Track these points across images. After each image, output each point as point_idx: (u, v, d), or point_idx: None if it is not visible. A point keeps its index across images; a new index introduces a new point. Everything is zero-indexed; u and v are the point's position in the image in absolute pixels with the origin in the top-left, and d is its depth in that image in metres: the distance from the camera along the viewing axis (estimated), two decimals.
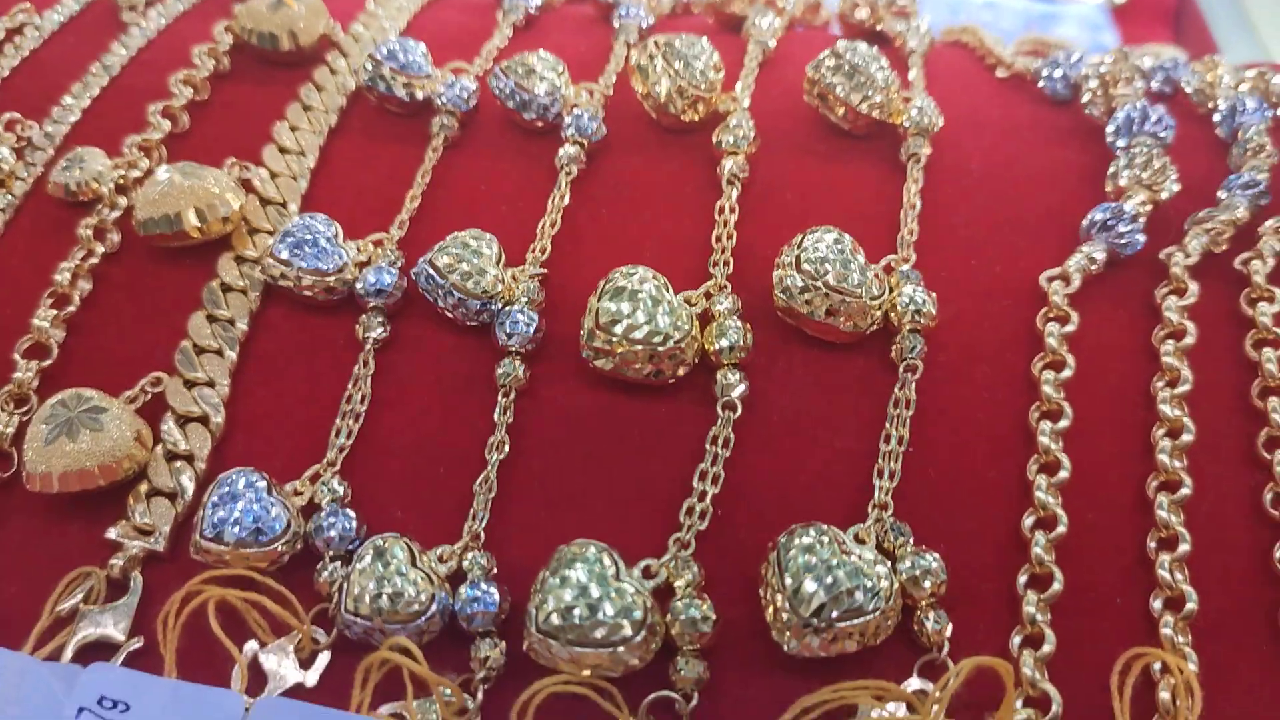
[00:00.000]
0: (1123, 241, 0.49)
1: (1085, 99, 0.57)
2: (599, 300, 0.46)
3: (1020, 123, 0.58)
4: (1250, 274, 0.49)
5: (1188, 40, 0.95)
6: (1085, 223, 0.50)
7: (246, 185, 0.53)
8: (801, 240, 0.47)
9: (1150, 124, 0.53)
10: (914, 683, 0.40)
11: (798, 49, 0.65)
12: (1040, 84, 0.60)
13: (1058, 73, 0.59)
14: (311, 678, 0.41)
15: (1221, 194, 0.52)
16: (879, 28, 0.67)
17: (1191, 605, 0.41)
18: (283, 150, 0.55)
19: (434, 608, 0.41)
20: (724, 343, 0.46)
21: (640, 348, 0.45)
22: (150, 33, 0.62)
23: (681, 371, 0.46)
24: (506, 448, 0.46)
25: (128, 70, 0.60)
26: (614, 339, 0.45)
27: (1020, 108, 0.59)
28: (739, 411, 0.46)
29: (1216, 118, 0.57)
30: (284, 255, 0.48)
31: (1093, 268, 0.49)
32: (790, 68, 0.62)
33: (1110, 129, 0.54)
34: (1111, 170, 0.52)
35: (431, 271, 0.48)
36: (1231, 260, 0.50)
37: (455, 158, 0.55)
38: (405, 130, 0.57)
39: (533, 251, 0.50)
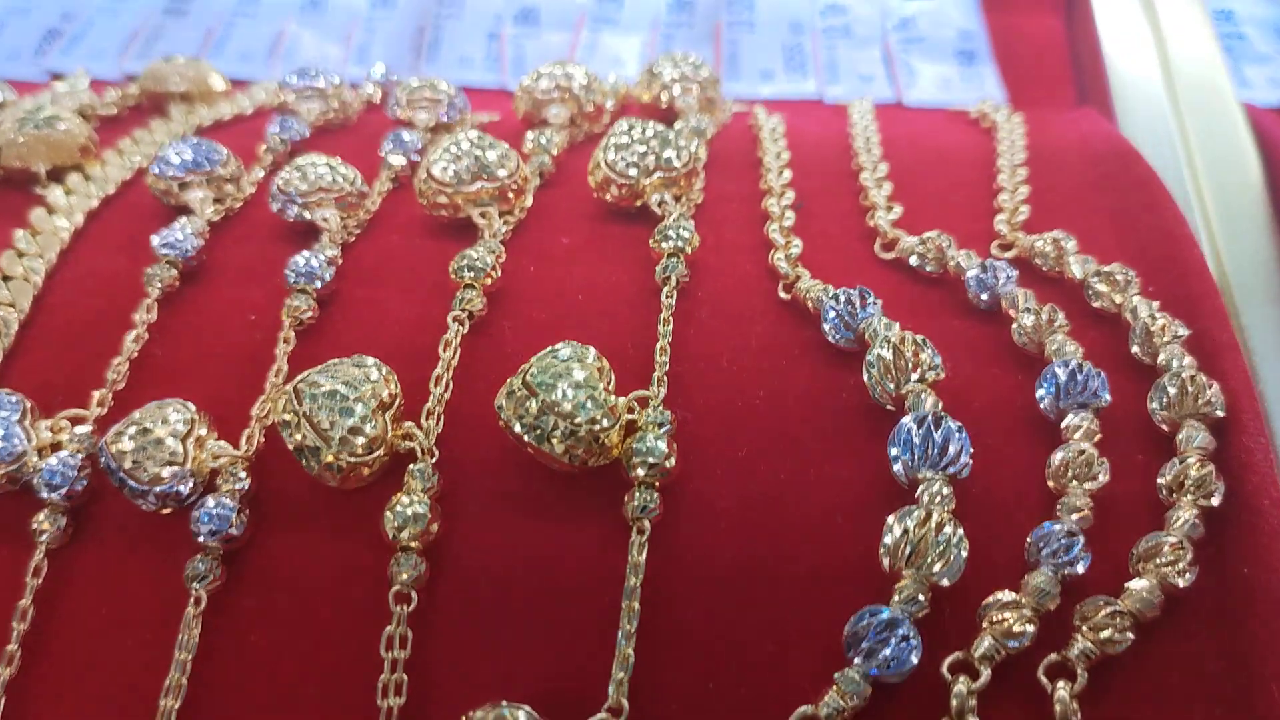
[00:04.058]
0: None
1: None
2: None
3: (798, 431, 0.45)
4: (1055, 698, 0.38)
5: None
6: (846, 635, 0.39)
7: None
8: None
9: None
10: None
11: (529, 284, 0.51)
12: (825, 326, 0.47)
13: (836, 317, 0.46)
14: None
15: (1028, 554, 0.40)
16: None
17: None
18: None
19: None
20: None
21: None
22: None
23: None
24: None
25: None
26: None
27: (798, 379, 0.46)
28: None
29: (1040, 392, 0.44)
30: None
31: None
32: (509, 334, 0.48)
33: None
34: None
35: None
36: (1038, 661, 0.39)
37: (63, 570, 0.44)
38: (12, 521, 0.44)
39: None
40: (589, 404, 0.41)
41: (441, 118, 0.62)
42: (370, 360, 0.44)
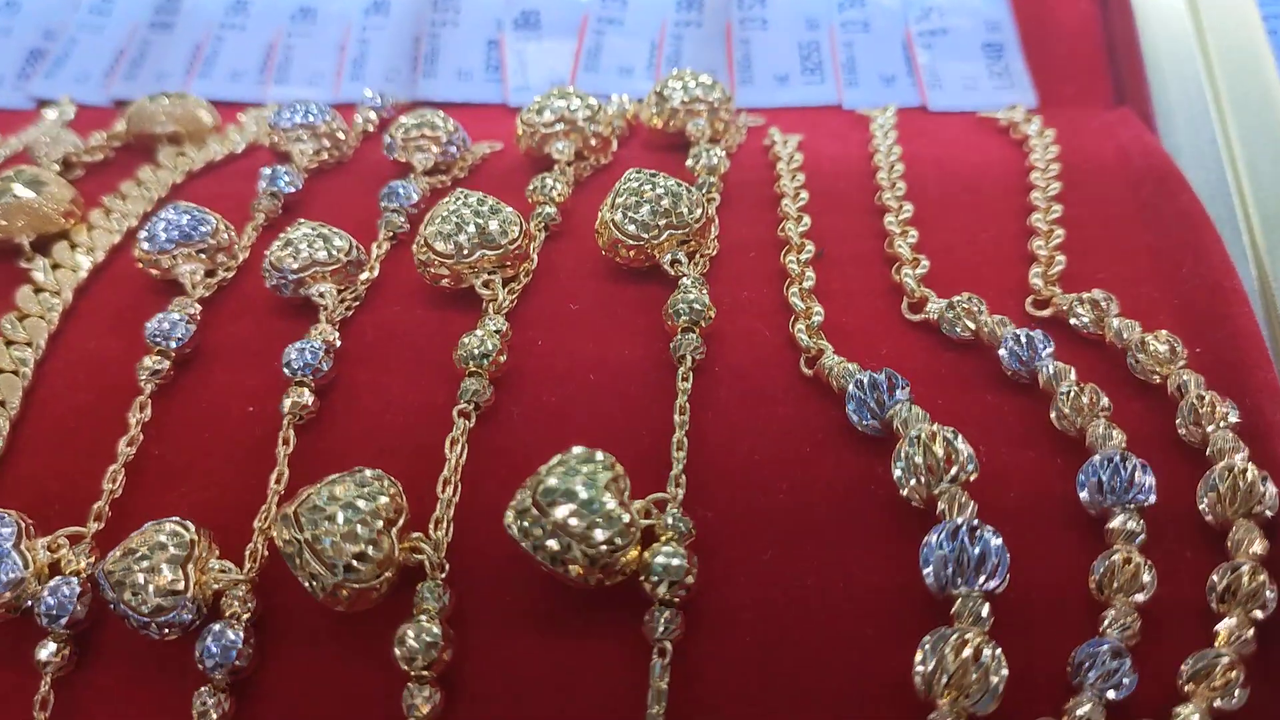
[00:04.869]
0: None
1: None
2: None
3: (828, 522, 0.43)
4: None
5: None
6: None
7: None
8: None
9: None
10: None
11: (537, 360, 0.48)
12: (851, 415, 0.44)
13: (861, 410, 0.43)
14: None
15: (1072, 671, 0.38)
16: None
17: None
18: None
19: None
20: None
21: None
22: None
23: None
24: None
25: None
26: None
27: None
28: None
29: (1081, 481, 0.41)
30: None
31: None
32: (519, 422, 0.46)
33: None
34: None
35: None
36: None
37: (71, 700, 0.43)
38: (14, 645, 0.43)
39: None
40: (602, 522, 0.39)
41: (440, 157, 0.59)
42: (370, 473, 0.42)
